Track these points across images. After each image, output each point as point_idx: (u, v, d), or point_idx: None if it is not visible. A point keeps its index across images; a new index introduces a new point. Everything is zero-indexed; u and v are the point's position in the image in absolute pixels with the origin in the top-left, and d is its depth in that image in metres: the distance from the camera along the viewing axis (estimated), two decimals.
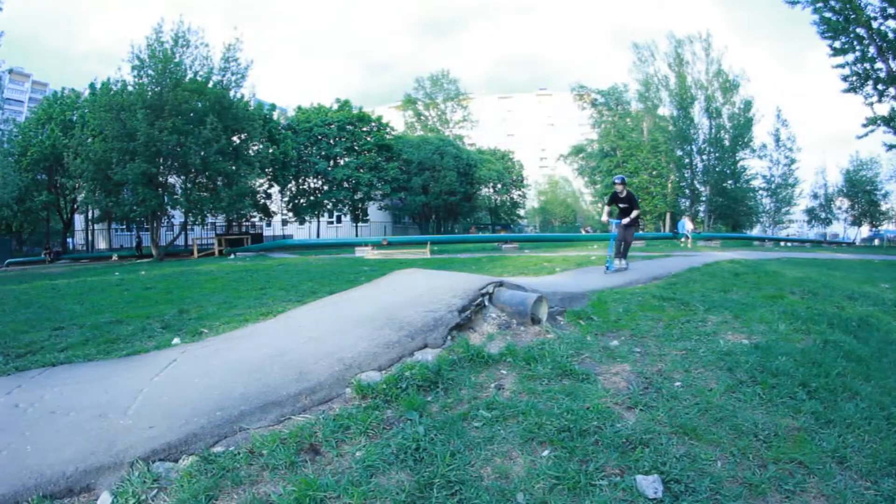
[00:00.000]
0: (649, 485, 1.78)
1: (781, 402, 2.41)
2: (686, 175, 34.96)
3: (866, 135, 20.17)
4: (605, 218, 8.10)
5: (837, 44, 19.25)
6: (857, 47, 18.81)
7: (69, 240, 34.19)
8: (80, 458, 2.04)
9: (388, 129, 36.91)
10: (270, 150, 27.91)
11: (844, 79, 19.55)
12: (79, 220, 34.26)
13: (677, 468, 1.88)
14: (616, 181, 7.83)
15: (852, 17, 17.94)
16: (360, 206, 34.92)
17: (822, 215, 37.55)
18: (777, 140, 35.29)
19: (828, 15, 18.91)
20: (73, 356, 3.60)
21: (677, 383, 2.68)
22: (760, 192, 35.81)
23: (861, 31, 18.37)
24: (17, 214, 27.78)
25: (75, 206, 30.55)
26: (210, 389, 2.64)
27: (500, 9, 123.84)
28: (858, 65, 19.08)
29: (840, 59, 19.50)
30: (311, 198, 33.63)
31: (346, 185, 33.53)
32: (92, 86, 26.58)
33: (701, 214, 34.45)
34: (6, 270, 21.08)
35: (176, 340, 4.00)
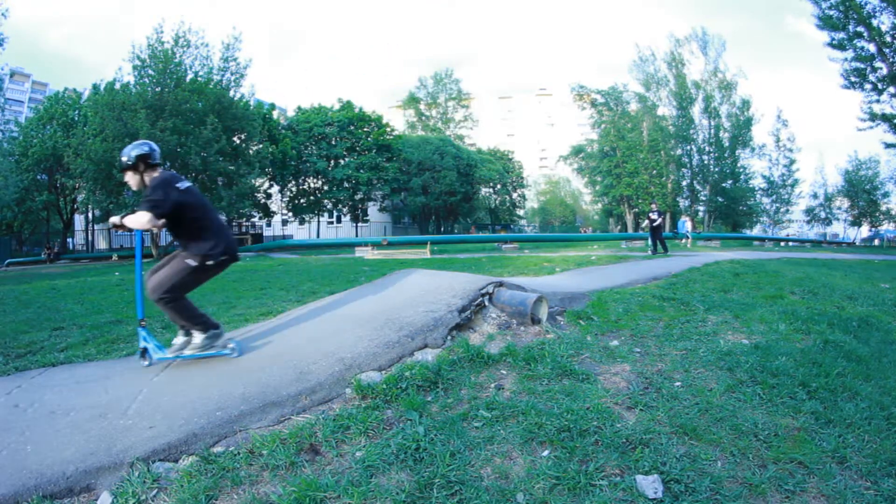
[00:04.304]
0: (649, 485, 1.78)
1: (781, 402, 2.41)
2: (685, 174, 35.01)
3: (865, 130, 20.36)
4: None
5: (836, 38, 19.36)
6: (858, 43, 18.93)
7: (69, 240, 34.15)
8: (80, 459, 2.04)
9: (388, 129, 36.90)
10: (270, 150, 27.92)
11: (845, 75, 19.66)
12: (79, 220, 34.25)
13: (677, 468, 1.88)
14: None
15: (852, 15, 18.01)
16: (360, 206, 34.91)
17: (822, 215, 37.53)
18: (777, 140, 35.37)
19: (826, 7, 19.02)
20: (73, 356, 3.59)
21: (677, 383, 2.68)
22: (759, 192, 35.85)
23: (861, 28, 18.46)
24: (18, 215, 27.77)
25: (75, 206, 30.54)
26: (210, 389, 2.64)
27: (509, 39, 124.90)
28: (857, 62, 19.22)
29: (839, 54, 19.65)
30: (311, 198, 33.63)
31: (346, 184, 33.52)
32: (95, 86, 26.59)
33: (701, 214, 34.48)
34: (6, 270, 21.07)
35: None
